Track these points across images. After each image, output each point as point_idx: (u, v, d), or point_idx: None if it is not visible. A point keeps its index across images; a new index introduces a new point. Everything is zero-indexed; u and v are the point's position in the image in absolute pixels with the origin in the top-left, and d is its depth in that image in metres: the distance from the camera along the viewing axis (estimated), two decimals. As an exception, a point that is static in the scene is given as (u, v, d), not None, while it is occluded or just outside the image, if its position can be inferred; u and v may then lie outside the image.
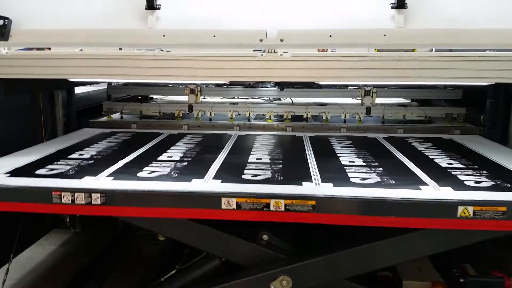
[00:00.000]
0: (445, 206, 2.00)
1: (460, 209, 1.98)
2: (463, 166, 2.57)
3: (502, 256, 2.76)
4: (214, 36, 2.29)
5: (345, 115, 3.88)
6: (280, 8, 2.35)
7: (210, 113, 3.97)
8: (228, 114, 3.95)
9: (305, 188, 2.16)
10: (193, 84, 4.02)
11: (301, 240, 2.40)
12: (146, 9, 2.36)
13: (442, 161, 2.71)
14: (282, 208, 2.05)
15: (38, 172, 2.43)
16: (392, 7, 2.25)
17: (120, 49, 2.99)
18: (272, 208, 2.06)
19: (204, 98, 4.21)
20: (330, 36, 2.22)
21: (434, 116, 3.96)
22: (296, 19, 2.32)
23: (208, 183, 2.24)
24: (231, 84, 4.35)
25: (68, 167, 2.53)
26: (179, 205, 2.10)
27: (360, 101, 3.99)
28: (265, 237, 2.34)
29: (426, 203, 2.01)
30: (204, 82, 3.99)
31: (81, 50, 2.88)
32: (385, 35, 2.20)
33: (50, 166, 2.53)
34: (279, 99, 4.29)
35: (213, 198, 2.09)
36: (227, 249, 2.36)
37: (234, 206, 2.08)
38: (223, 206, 2.08)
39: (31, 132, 3.43)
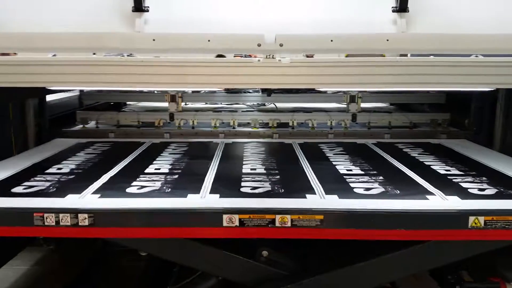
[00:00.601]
0: (457, 217, 1.94)
1: (471, 219, 1.93)
2: (461, 173, 2.54)
3: (495, 261, 2.73)
4: (209, 41, 2.14)
5: (331, 122, 3.80)
6: (278, 12, 2.23)
7: (193, 121, 3.79)
8: (212, 123, 3.78)
9: (310, 202, 2.05)
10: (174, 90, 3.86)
11: (304, 255, 2.29)
12: (133, 11, 2.19)
13: (439, 167, 2.66)
14: (289, 224, 1.93)
15: (15, 190, 2.20)
16: (393, 11, 2.17)
17: (94, 53, 2.81)
18: (277, 224, 1.93)
19: (185, 104, 4.03)
20: (332, 41, 2.12)
21: (419, 122, 3.93)
22: (295, 24, 2.21)
23: (206, 199, 2.09)
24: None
25: (48, 183, 2.31)
26: (177, 224, 1.94)
27: (345, 106, 3.95)
28: (264, 253, 2.21)
29: (437, 214, 1.95)
30: (198, 89, 3.82)
31: (54, 55, 2.67)
32: (387, 40, 2.12)
33: (27, 183, 2.31)
34: (263, 105, 4.16)
35: (214, 216, 1.95)
36: (224, 267, 2.20)
37: (237, 223, 1.94)
38: (224, 224, 1.94)
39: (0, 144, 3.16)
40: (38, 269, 3.52)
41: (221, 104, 4.19)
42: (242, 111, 4.02)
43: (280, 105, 4.19)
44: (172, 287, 2.48)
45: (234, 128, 3.77)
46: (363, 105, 4.00)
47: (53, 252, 3.69)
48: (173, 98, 3.85)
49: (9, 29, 2.28)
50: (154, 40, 2.15)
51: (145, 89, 3.68)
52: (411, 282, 2.90)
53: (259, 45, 2.14)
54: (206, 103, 4.21)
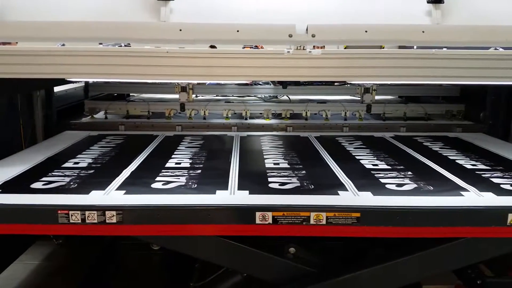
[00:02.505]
0: (495, 214, 1.90)
1: (510, 216, 1.88)
2: (488, 168, 2.50)
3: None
4: (238, 31, 2.06)
5: (345, 113, 3.77)
6: (309, 1, 2.15)
7: (204, 112, 3.72)
8: (224, 113, 3.72)
9: (344, 198, 1.99)
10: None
11: (332, 252, 2.24)
12: (157, -1, 2.09)
13: (464, 162, 2.62)
14: (324, 222, 1.87)
15: (34, 186, 2.12)
16: (428, 2, 2.10)
17: (101, 44, 2.71)
18: (312, 221, 1.88)
19: (196, 97, 3.94)
20: (366, 31, 2.04)
21: (433, 113, 3.89)
22: (326, 14, 2.13)
23: (235, 195, 2.03)
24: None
25: (68, 178, 2.23)
26: (209, 221, 1.87)
27: (358, 98, 3.89)
28: (292, 250, 2.16)
29: (476, 211, 1.91)
30: (225, 82, 3.74)
31: (63, 45, 2.57)
32: (423, 32, 2.05)
33: (45, 178, 2.22)
34: (275, 97, 4.07)
35: (247, 212, 1.89)
36: (250, 264, 2.14)
37: (270, 221, 1.88)
38: (257, 221, 1.88)
39: (9, 138, 3.05)
40: (48, 264, 3.44)
41: (232, 96, 4.09)
42: (254, 102, 3.95)
43: (294, 98, 4.10)
44: (195, 284, 2.42)
45: (246, 119, 3.70)
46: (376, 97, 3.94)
47: (62, 247, 3.60)
48: (183, 89, 3.76)
49: (22, 17, 2.18)
50: (180, 30, 2.06)
51: (171, 81, 3.57)
52: (433, 278, 2.86)
53: (290, 35, 2.05)
54: (216, 95, 4.10)
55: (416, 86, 4.08)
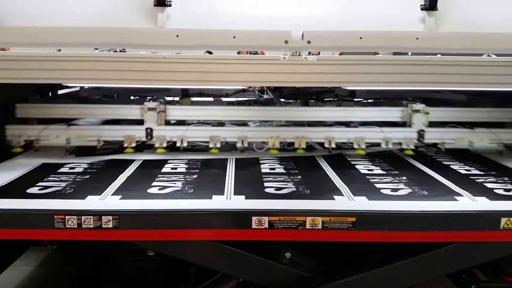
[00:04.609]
0: (489, 218, 1.93)
1: (503, 220, 1.91)
2: (482, 173, 2.52)
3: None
4: (234, 37, 2.08)
5: (387, 142, 2.66)
6: (303, 8, 2.18)
7: (182, 141, 2.62)
8: (210, 144, 2.65)
9: (340, 203, 2.01)
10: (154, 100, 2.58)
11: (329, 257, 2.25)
12: (155, 5, 2.11)
13: (458, 167, 2.64)
14: (319, 226, 1.89)
15: (30, 191, 2.12)
16: (422, 9, 2.13)
17: (97, 49, 2.72)
18: (308, 226, 1.89)
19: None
20: (361, 38, 2.07)
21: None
22: (321, 20, 2.16)
23: (232, 200, 2.04)
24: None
25: (64, 184, 2.23)
26: (205, 226, 1.88)
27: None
28: (287, 254, 2.17)
29: (469, 215, 1.93)
30: (221, 87, 3.66)
31: (59, 50, 2.58)
32: (417, 38, 2.08)
33: (41, 184, 2.22)
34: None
35: (243, 217, 1.90)
36: (246, 269, 2.15)
37: (266, 225, 1.89)
38: (253, 226, 1.89)
39: (5, 143, 3.04)
40: (43, 270, 3.42)
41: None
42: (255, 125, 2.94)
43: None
44: (191, 291, 2.42)
45: (242, 151, 2.75)
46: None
47: (56, 253, 3.59)
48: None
49: (18, 23, 2.19)
50: (177, 36, 2.08)
51: (167, 86, 3.49)
52: (427, 282, 2.88)
53: (286, 42, 2.08)
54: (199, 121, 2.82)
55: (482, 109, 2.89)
